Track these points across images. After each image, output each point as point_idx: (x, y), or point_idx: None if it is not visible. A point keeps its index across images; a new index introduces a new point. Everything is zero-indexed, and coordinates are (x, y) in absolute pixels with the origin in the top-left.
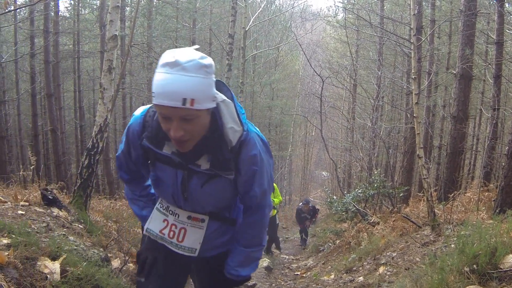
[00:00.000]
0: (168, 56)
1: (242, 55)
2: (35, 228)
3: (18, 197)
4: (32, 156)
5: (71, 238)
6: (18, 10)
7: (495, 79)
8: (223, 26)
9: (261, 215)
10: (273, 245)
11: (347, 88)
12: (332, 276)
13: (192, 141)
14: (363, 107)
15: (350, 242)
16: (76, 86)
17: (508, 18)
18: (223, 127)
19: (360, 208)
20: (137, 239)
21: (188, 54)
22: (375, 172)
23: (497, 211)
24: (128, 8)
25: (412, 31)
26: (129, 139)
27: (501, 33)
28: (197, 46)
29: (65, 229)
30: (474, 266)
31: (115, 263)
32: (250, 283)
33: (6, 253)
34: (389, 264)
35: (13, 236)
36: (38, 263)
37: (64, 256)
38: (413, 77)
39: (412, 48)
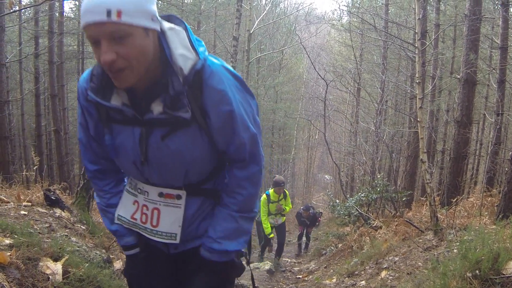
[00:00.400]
0: None
1: (246, 58)
2: (38, 228)
3: (21, 197)
4: (35, 157)
5: (74, 239)
6: (23, 10)
7: (499, 84)
8: (227, 28)
9: (257, 168)
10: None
11: (351, 91)
12: (334, 280)
13: (131, 72)
14: (367, 111)
15: (352, 246)
16: None
17: None
18: (172, 55)
19: (363, 212)
20: None
21: None
22: (378, 176)
23: (500, 216)
24: None
25: (416, 35)
26: (80, 103)
27: (505, 38)
28: None
29: (67, 230)
30: (477, 271)
31: (117, 265)
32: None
33: (9, 254)
34: (391, 269)
35: (16, 236)
36: (40, 263)
37: (66, 257)
38: (417, 81)
39: (416, 52)
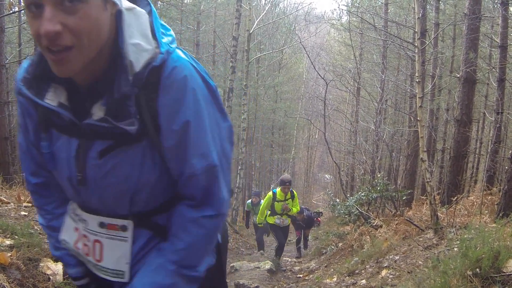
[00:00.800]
0: None
1: (246, 58)
2: (38, 229)
3: (21, 198)
4: None
5: None
6: (23, 11)
7: (499, 83)
8: (227, 28)
9: (212, 213)
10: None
11: (351, 91)
12: (335, 279)
13: (78, 53)
14: (367, 110)
15: (353, 245)
16: None
17: None
18: (123, 44)
19: (363, 211)
20: None
21: None
22: (378, 175)
23: (500, 214)
24: None
25: (416, 34)
26: (18, 100)
27: (505, 37)
28: None
29: None
30: (477, 269)
31: None
32: (252, 285)
33: (9, 254)
34: (392, 267)
35: (16, 237)
36: (41, 264)
37: None
38: (417, 80)
39: (416, 51)
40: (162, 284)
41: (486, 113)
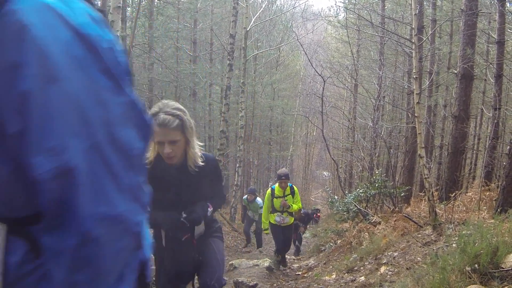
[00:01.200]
0: None
1: (243, 55)
2: None
3: None
4: None
5: None
6: None
7: (496, 79)
8: (224, 26)
9: (72, 241)
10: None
11: (348, 88)
12: (334, 276)
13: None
14: (364, 107)
15: (352, 242)
16: None
17: (509, 17)
18: None
19: (362, 208)
20: None
21: None
22: (376, 172)
23: (498, 210)
24: (129, 9)
25: (413, 30)
26: None
27: (502, 33)
28: None
29: None
30: (476, 265)
31: None
32: (251, 283)
33: None
34: (391, 264)
35: None
36: None
37: None
38: (414, 76)
39: (413, 47)
40: None
41: (484, 109)
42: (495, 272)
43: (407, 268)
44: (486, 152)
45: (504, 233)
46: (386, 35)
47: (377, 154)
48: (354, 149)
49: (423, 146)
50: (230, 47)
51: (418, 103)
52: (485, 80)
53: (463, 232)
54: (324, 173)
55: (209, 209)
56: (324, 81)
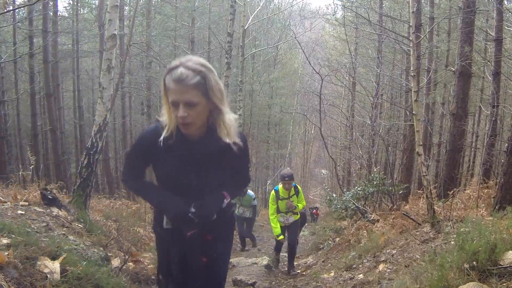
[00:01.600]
0: None
1: (241, 54)
2: (35, 227)
3: (18, 197)
4: (31, 156)
5: (71, 237)
6: (17, 10)
7: (494, 76)
8: (222, 24)
9: None
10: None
11: (346, 86)
12: (332, 274)
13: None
14: (362, 105)
15: (350, 240)
16: (75, 86)
17: (507, 15)
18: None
19: (360, 206)
20: (137, 238)
21: None
22: (375, 170)
23: (496, 207)
24: (127, 7)
25: (411, 28)
26: None
27: (500, 30)
28: None
29: (64, 229)
30: (474, 262)
31: (115, 262)
32: (250, 281)
33: (6, 253)
34: (389, 262)
35: (13, 236)
36: (38, 262)
37: (64, 256)
38: (412, 74)
39: (411, 45)
40: None
41: (482, 107)
42: (493, 269)
43: (406, 266)
44: (484, 150)
45: (502, 230)
46: (384, 33)
47: (375, 152)
48: (352, 147)
49: (421, 144)
50: (228, 45)
51: (416, 101)
52: (483, 77)
53: (461, 230)
54: (322, 171)
55: (224, 200)
56: (322, 79)
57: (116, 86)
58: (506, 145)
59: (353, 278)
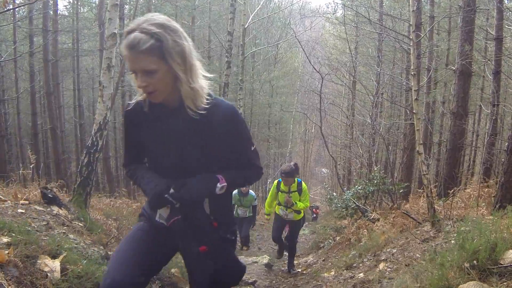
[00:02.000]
0: None
1: (241, 53)
2: (35, 226)
3: (18, 195)
4: (31, 155)
5: (71, 236)
6: (17, 9)
7: (494, 75)
8: (222, 23)
9: None
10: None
11: (347, 84)
12: (333, 273)
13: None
14: (363, 103)
15: (350, 239)
16: (76, 85)
17: (507, 14)
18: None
19: (360, 205)
20: None
21: None
22: (375, 169)
23: (497, 207)
24: (127, 6)
25: (411, 27)
26: None
27: (500, 29)
28: None
29: (65, 227)
30: (474, 261)
31: None
32: (250, 280)
33: (6, 252)
34: (389, 261)
35: (13, 234)
36: (38, 261)
37: (64, 254)
38: (412, 73)
39: (411, 44)
40: None
41: (482, 106)
42: (493, 269)
43: (406, 265)
44: (484, 149)
45: (502, 230)
46: (384, 32)
47: (375, 151)
48: (353, 146)
49: (422, 142)
50: (228, 44)
51: (416, 99)
52: (483, 76)
53: (462, 229)
54: (323, 170)
55: (218, 184)
56: (322, 78)
57: (116, 85)
58: (507, 144)
59: (353, 277)
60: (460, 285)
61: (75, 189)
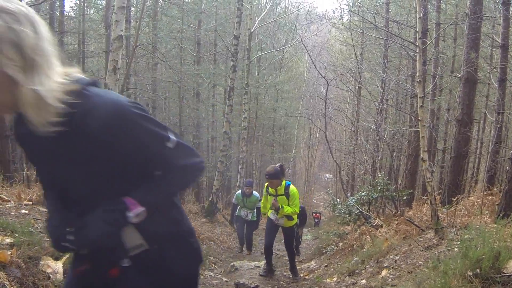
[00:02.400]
0: None
1: (247, 57)
2: (38, 227)
3: (22, 196)
4: None
5: None
6: None
7: (499, 83)
8: (228, 27)
9: None
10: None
11: (352, 90)
12: (335, 279)
13: None
14: (368, 109)
15: (353, 245)
16: None
17: None
18: None
19: (364, 211)
20: None
21: None
22: (379, 175)
23: (500, 215)
24: (133, 9)
25: (417, 34)
26: None
27: (506, 37)
28: None
29: None
30: (477, 270)
31: None
32: (252, 284)
33: (9, 252)
34: (392, 268)
35: (16, 235)
36: (41, 262)
37: (67, 256)
38: (418, 80)
39: (417, 51)
40: None
41: (487, 113)
42: (496, 277)
43: (409, 272)
44: (489, 157)
45: (506, 238)
46: (390, 38)
47: (379, 157)
48: (357, 151)
49: (426, 149)
50: (234, 48)
51: (421, 106)
52: (489, 84)
53: (465, 237)
54: (327, 175)
55: (128, 213)
56: (328, 84)
57: (122, 87)
58: (511, 152)
59: (355, 284)
60: None
61: None
